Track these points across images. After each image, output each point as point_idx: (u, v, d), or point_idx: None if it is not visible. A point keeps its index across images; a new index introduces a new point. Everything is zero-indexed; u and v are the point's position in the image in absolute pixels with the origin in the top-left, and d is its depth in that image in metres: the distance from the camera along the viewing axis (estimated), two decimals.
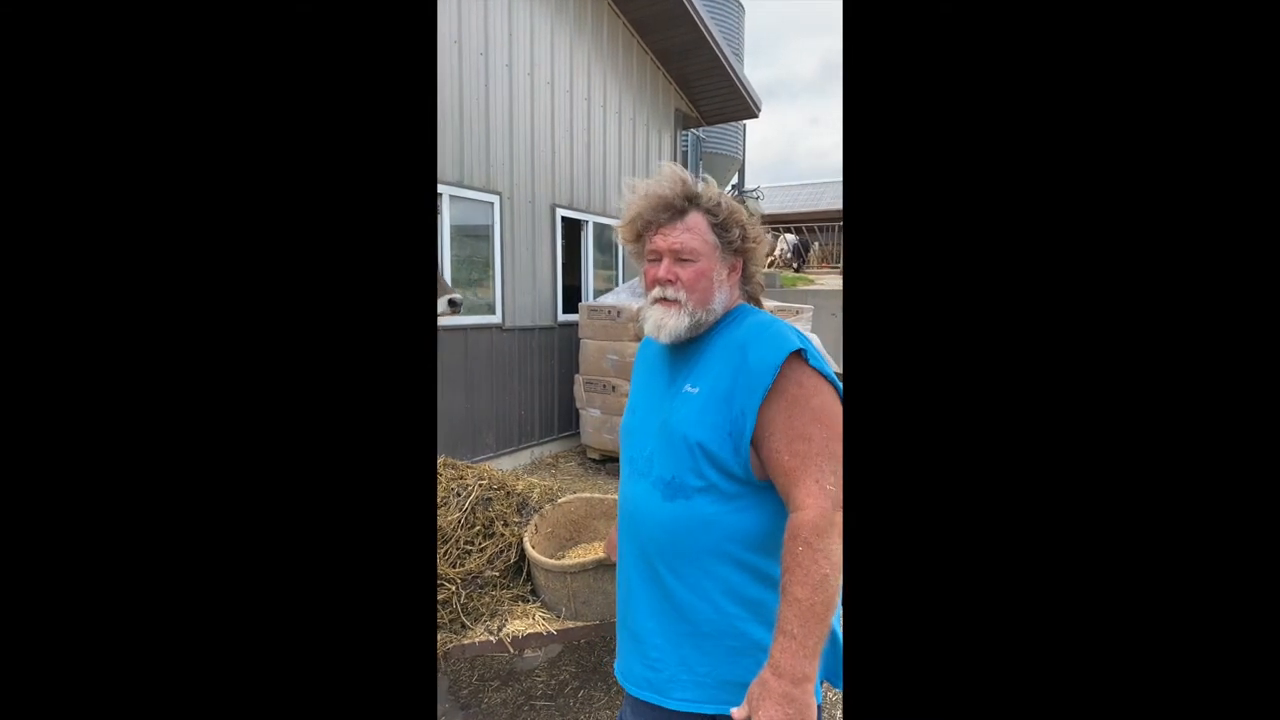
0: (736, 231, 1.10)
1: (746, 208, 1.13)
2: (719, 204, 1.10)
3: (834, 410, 1.00)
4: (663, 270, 1.08)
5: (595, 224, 5.76)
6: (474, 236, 4.57)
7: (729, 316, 1.12)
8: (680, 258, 1.08)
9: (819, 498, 0.94)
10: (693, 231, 1.08)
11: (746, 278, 1.15)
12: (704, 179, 1.15)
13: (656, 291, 1.10)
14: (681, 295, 1.07)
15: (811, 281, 9.92)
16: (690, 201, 1.09)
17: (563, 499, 2.14)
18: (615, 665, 1.19)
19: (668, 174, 1.12)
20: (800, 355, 1.01)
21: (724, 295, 1.11)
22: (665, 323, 1.08)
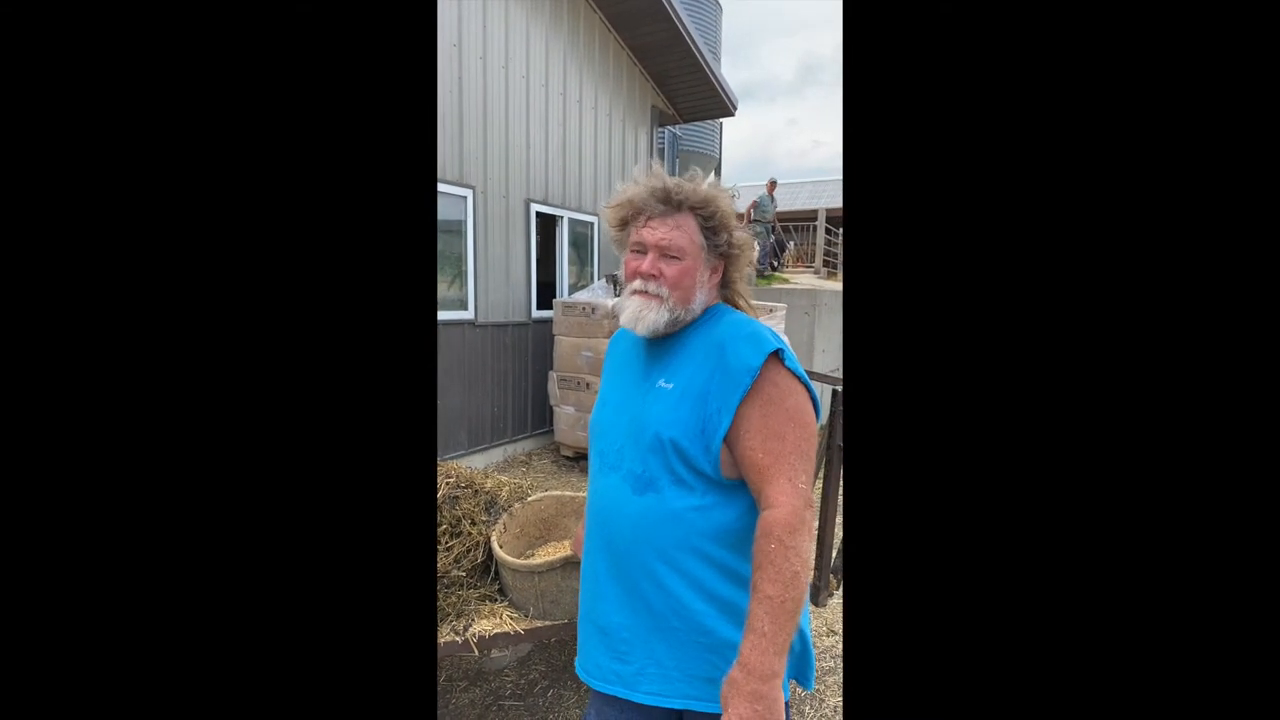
0: (724, 236, 1.10)
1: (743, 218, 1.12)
2: (712, 208, 1.09)
3: (807, 411, 1.01)
4: (647, 264, 1.07)
5: (570, 219, 5.72)
6: (447, 231, 4.51)
7: (705, 315, 1.11)
8: (667, 254, 1.07)
9: (791, 496, 0.94)
10: (682, 229, 1.07)
11: (725, 282, 1.15)
12: (694, 172, 1.14)
13: (638, 284, 1.08)
14: (664, 291, 1.06)
15: (787, 280, 10.00)
16: (684, 198, 1.08)
17: (533, 497, 2.11)
18: (577, 662, 1.18)
19: (660, 172, 1.12)
20: (777, 356, 1.01)
21: (703, 296, 1.10)
22: (644, 315, 1.07)
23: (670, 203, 1.08)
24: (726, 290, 1.16)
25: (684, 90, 6.89)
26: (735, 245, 1.11)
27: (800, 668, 1.10)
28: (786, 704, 0.93)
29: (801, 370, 1.04)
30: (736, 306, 1.17)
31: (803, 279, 9.23)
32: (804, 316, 6.04)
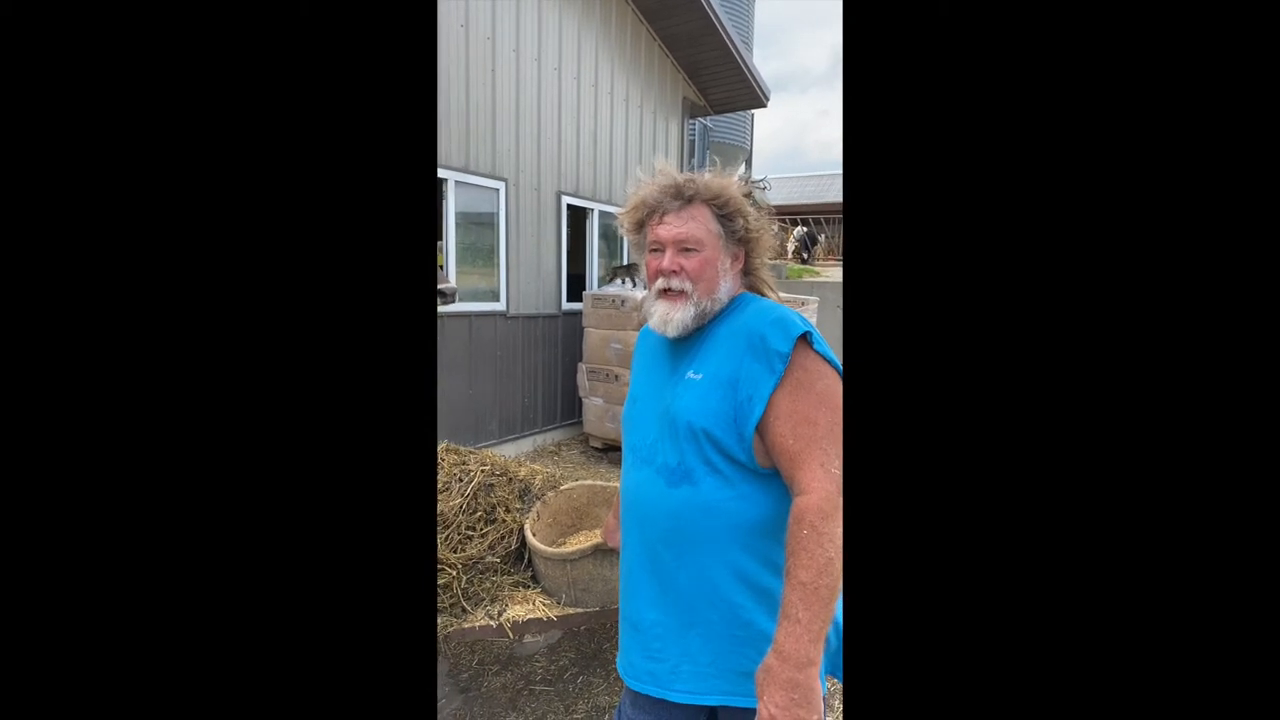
0: (740, 222, 1.09)
1: (753, 198, 1.12)
2: (724, 194, 1.09)
3: (838, 394, 0.99)
4: (666, 261, 1.07)
5: (601, 212, 5.73)
6: (479, 224, 4.56)
7: (731, 304, 1.11)
8: (684, 247, 1.07)
9: (823, 481, 0.93)
10: (697, 220, 1.07)
11: (749, 269, 1.15)
12: (713, 161, 1.14)
13: (660, 283, 1.09)
14: (687, 286, 1.06)
15: (817, 274, 9.89)
16: (695, 191, 1.08)
17: (566, 485, 2.14)
18: (617, 659, 1.19)
19: (670, 170, 1.12)
20: (806, 339, 1.01)
21: (728, 285, 1.10)
22: (672, 316, 1.07)
23: (681, 197, 1.08)
24: (750, 278, 1.15)
25: (716, 81, 6.83)
26: (753, 230, 1.11)
27: (836, 662, 1.09)
28: (823, 696, 0.93)
29: (831, 352, 1.02)
30: (761, 294, 1.16)
31: (833, 273, 9.12)
32: (835, 310, 5.97)
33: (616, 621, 1.21)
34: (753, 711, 1.01)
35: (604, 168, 5.74)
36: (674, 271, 1.07)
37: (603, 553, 1.73)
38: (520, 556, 1.96)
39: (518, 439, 4.96)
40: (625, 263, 5.83)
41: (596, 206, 5.67)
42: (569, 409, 5.41)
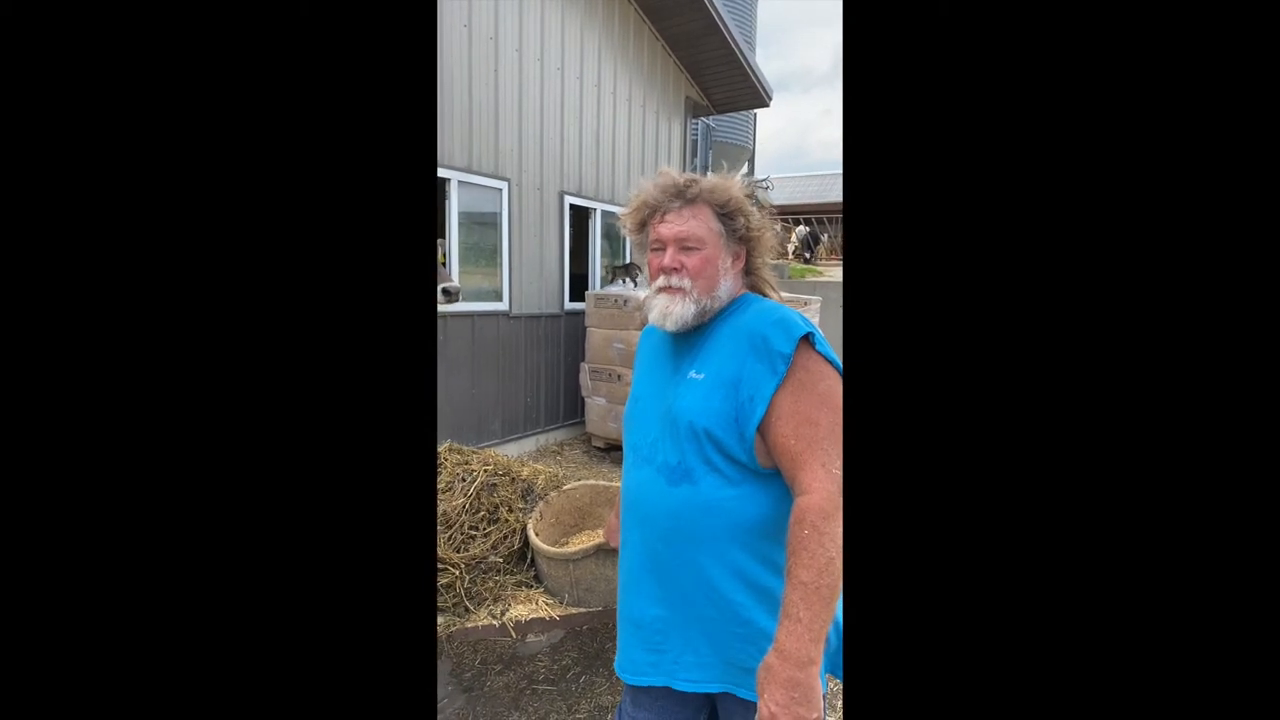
0: (741, 220, 1.10)
1: (755, 198, 1.12)
2: (725, 194, 1.09)
3: (840, 395, 0.99)
4: (668, 259, 1.08)
5: (603, 212, 5.73)
6: (483, 224, 4.56)
7: (733, 304, 1.11)
8: (685, 246, 1.08)
9: (825, 481, 0.93)
10: (698, 218, 1.08)
11: (751, 269, 1.15)
12: (720, 165, 1.15)
13: (661, 280, 1.09)
14: (687, 283, 1.07)
15: (820, 273, 9.89)
16: (696, 190, 1.09)
17: (568, 485, 2.14)
18: (616, 659, 1.19)
19: (673, 171, 1.13)
20: (808, 340, 1.01)
21: (729, 283, 1.11)
22: (671, 310, 1.07)
23: (682, 196, 1.08)
24: (751, 277, 1.16)
25: (718, 81, 6.82)
26: (754, 229, 1.11)
27: (836, 662, 1.09)
28: (823, 696, 0.93)
29: (833, 353, 1.03)
30: (763, 294, 1.16)
31: (836, 272, 9.13)
32: (838, 310, 5.97)
33: (618, 621, 1.21)
34: (753, 706, 1.02)
35: (606, 168, 5.74)
36: (674, 269, 1.07)
37: (605, 553, 1.73)
38: (523, 556, 1.96)
39: (520, 439, 4.96)
40: (625, 262, 5.83)
41: (599, 206, 5.67)
42: (571, 409, 5.41)
